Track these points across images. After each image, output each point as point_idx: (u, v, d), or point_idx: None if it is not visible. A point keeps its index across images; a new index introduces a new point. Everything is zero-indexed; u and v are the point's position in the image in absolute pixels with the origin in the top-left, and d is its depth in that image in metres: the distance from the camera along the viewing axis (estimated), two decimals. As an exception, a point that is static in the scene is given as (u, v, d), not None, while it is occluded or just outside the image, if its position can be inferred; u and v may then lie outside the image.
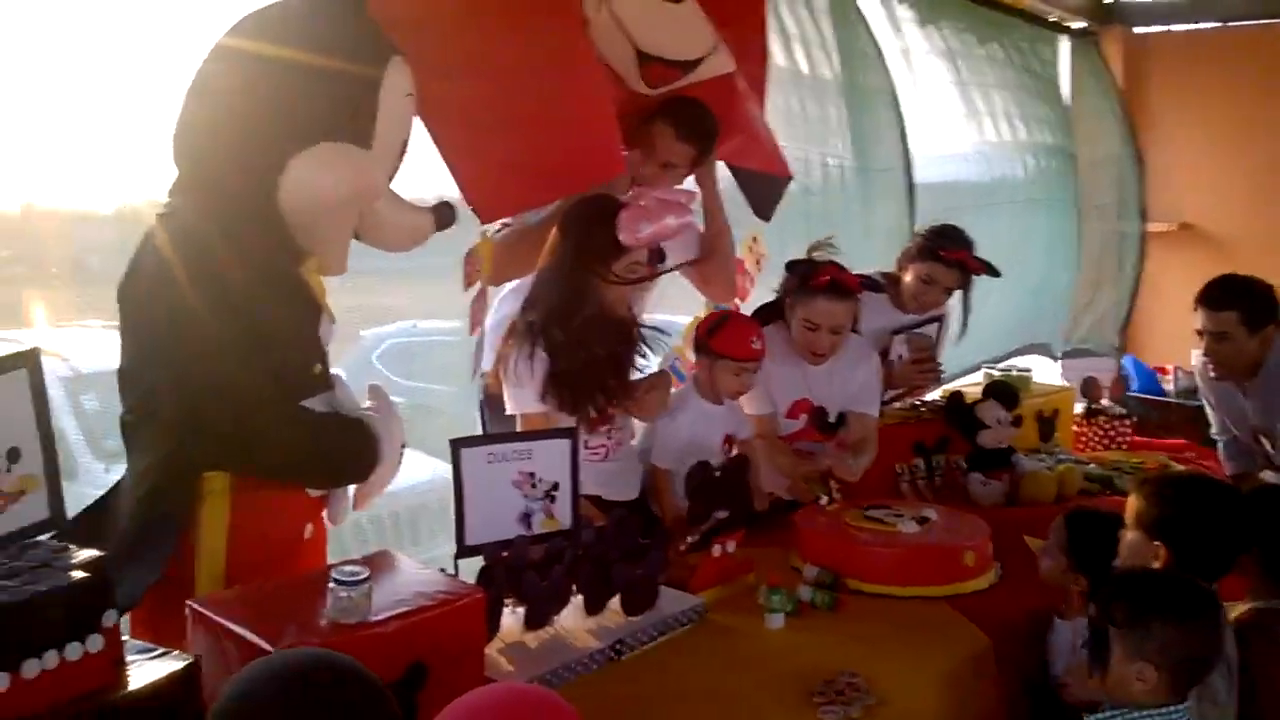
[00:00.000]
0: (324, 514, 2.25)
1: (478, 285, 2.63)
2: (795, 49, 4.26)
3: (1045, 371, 5.21)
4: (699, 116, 2.94)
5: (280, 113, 1.98)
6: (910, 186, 4.88)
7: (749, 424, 3.06)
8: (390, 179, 2.21)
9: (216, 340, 1.94)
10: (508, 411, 2.69)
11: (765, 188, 3.41)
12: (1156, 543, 2.18)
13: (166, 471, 1.97)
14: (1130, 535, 2.24)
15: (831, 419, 3.18)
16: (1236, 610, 2.41)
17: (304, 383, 2.09)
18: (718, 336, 2.85)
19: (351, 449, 2.14)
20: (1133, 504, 2.27)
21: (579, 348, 2.60)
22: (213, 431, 1.97)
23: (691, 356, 3.06)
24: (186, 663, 1.54)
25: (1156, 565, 2.16)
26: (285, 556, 2.14)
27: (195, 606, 1.78)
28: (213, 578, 2.02)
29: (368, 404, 2.27)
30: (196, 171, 2.03)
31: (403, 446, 2.27)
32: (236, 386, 1.96)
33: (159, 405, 1.97)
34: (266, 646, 1.62)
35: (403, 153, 2.23)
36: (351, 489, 2.25)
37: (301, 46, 1.99)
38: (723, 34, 3.02)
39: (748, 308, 3.30)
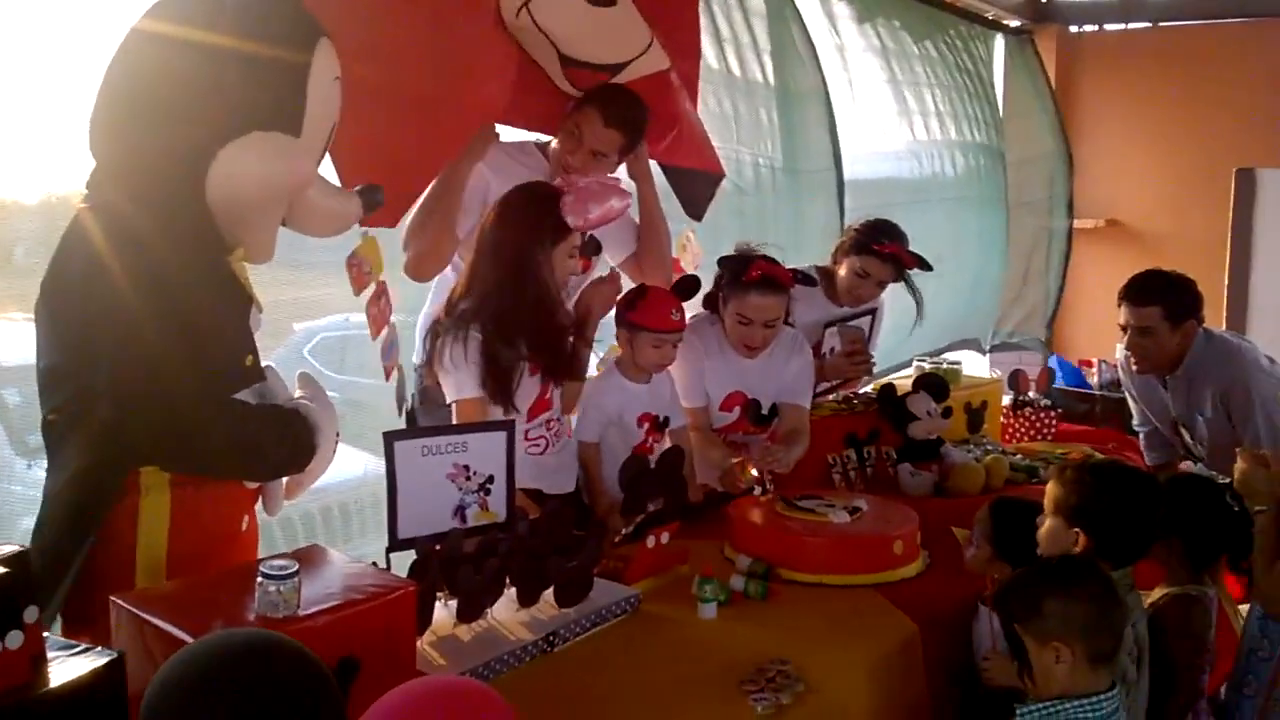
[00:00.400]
0: (258, 505, 2.24)
1: (371, 287, 2.63)
2: (728, 51, 4.29)
3: (975, 365, 5.31)
4: (627, 104, 2.94)
5: (208, 101, 1.94)
6: (840, 184, 4.92)
7: (679, 409, 3.08)
8: (318, 164, 2.19)
9: (149, 336, 1.90)
10: (447, 399, 2.69)
11: (698, 185, 3.43)
12: (1075, 529, 2.23)
13: (104, 471, 1.94)
14: (1049, 522, 2.29)
15: (765, 411, 3.22)
16: (1153, 596, 2.49)
17: (236, 375, 2.07)
18: (637, 309, 2.88)
19: (289, 440, 2.13)
20: (1051, 491, 2.32)
21: (515, 334, 2.62)
22: (147, 429, 1.94)
23: None
24: (110, 659, 1.52)
25: (1075, 551, 2.21)
26: (224, 550, 2.12)
27: (119, 603, 1.76)
28: (153, 574, 2.00)
29: (299, 394, 2.25)
30: (120, 162, 1.99)
31: (337, 435, 2.26)
32: (170, 383, 1.93)
33: (92, 404, 1.94)
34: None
35: (331, 139, 2.20)
36: (285, 478, 2.24)
37: (227, 31, 1.94)
38: (658, 31, 3.03)
39: (692, 306, 3.32)
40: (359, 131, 2.41)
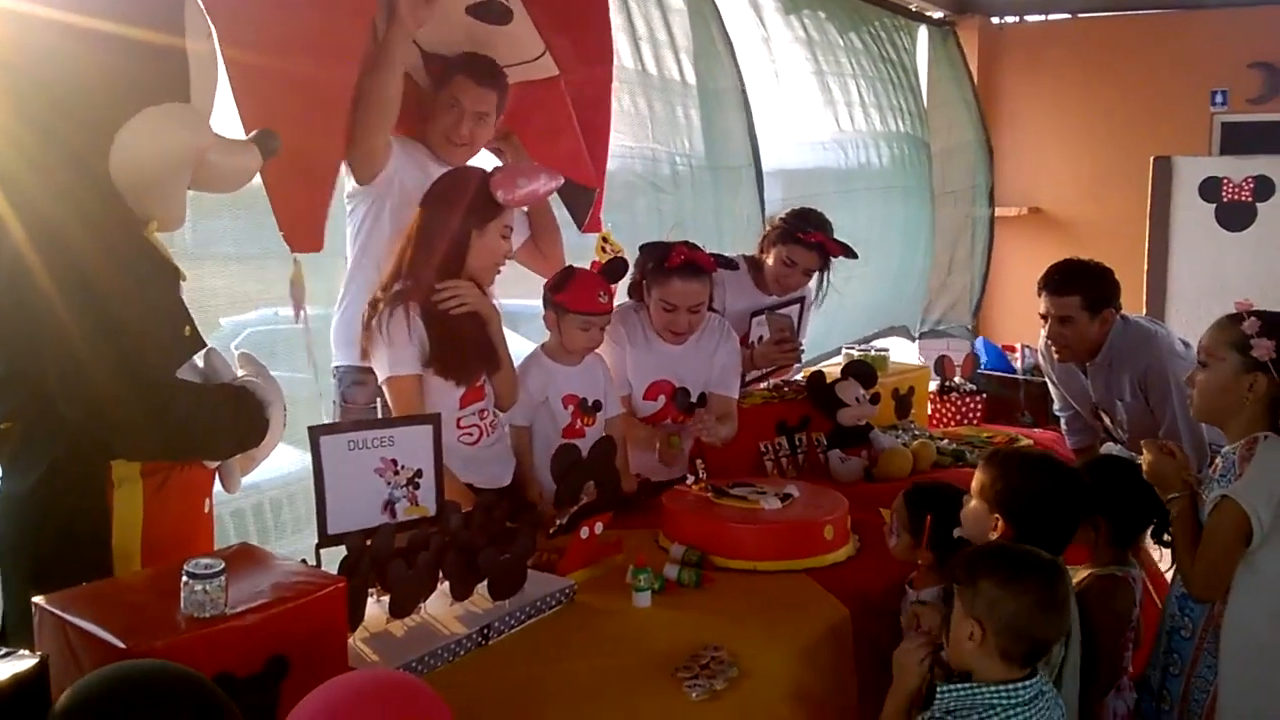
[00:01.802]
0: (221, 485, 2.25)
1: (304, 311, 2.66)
2: (644, 49, 4.29)
3: (905, 352, 5.39)
4: (488, 63, 3.02)
5: (94, 87, 1.91)
6: (759, 178, 4.94)
7: (614, 398, 3.10)
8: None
9: (86, 329, 1.88)
10: (380, 378, 2.69)
11: (577, 198, 3.45)
12: (995, 515, 2.27)
13: (78, 468, 1.96)
14: (973, 504, 2.33)
15: (693, 398, 3.24)
16: (1077, 576, 2.54)
17: (177, 348, 2.06)
18: (565, 292, 2.90)
19: (243, 415, 2.14)
20: (979, 476, 2.36)
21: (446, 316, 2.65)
22: (105, 420, 1.94)
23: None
24: (33, 662, 1.48)
25: (994, 536, 2.25)
26: (190, 534, 2.13)
27: (42, 605, 1.72)
28: (128, 566, 2.00)
29: (242, 372, 2.25)
30: (17, 162, 1.93)
31: (284, 409, 2.27)
32: (117, 371, 1.91)
33: (49, 406, 1.93)
34: (118, 644, 1.58)
35: (216, 91, 2.19)
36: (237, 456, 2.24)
37: (96, 9, 1.91)
38: (565, 38, 3.08)
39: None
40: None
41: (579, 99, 3.44)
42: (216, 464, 2.20)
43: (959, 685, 1.94)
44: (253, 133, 2.24)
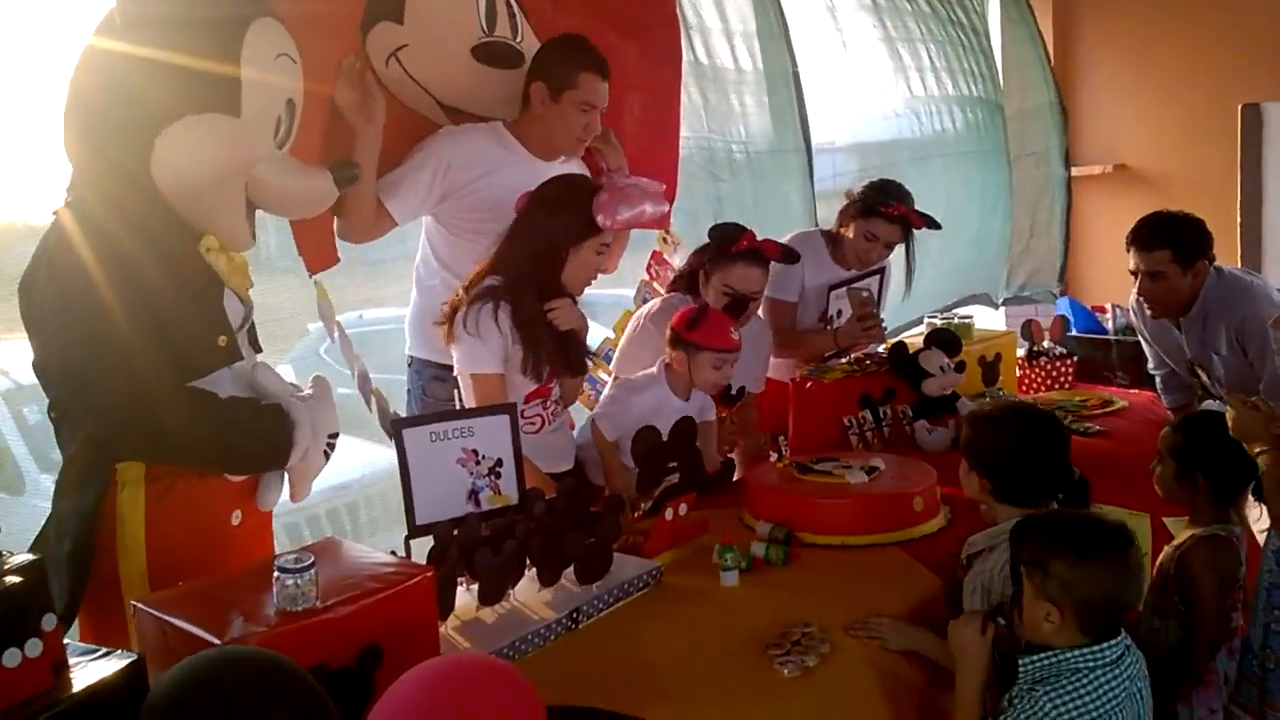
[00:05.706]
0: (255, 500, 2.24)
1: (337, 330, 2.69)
2: (695, 39, 4.17)
3: (990, 320, 5.28)
4: (600, 54, 2.92)
5: (142, 93, 1.97)
6: (810, 165, 4.78)
7: (711, 413, 3.07)
8: (278, 143, 2.18)
9: (105, 326, 1.92)
10: (458, 370, 2.69)
11: None
12: (974, 472, 2.32)
13: (80, 466, 1.99)
14: (961, 465, 2.38)
15: (734, 391, 3.20)
16: (1180, 537, 2.47)
17: (207, 357, 2.08)
18: (698, 330, 2.85)
19: (262, 435, 2.12)
20: (962, 435, 2.41)
21: (545, 316, 2.65)
22: (108, 421, 1.97)
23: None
24: (130, 661, 1.53)
25: (975, 493, 2.32)
26: (212, 544, 2.13)
27: (140, 606, 1.77)
28: (136, 569, 2.02)
29: (308, 391, 2.26)
30: (83, 163, 2.03)
31: (333, 435, 2.27)
32: (128, 375, 1.95)
33: (70, 398, 1.99)
34: (214, 640, 1.61)
35: (293, 115, 2.20)
36: (286, 475, 2.24)
37: (157, 26, 1.97)
38: (632, 43, 3.06)
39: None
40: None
41: (649, 101, 3.40)
42: (241, 478, 2.19)
43: (1041, 654, 1.88)
44: (332, 161, 2.26)
